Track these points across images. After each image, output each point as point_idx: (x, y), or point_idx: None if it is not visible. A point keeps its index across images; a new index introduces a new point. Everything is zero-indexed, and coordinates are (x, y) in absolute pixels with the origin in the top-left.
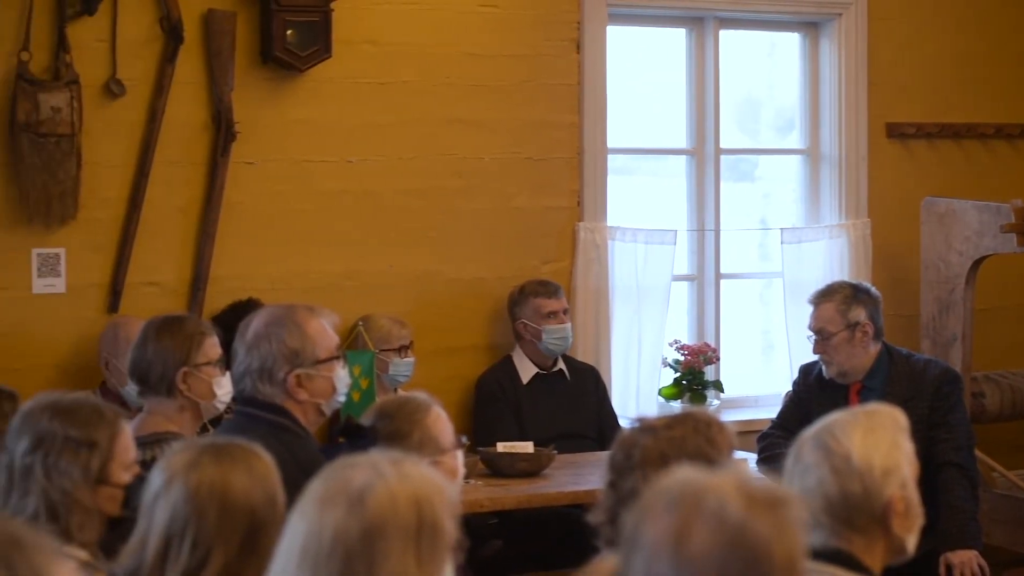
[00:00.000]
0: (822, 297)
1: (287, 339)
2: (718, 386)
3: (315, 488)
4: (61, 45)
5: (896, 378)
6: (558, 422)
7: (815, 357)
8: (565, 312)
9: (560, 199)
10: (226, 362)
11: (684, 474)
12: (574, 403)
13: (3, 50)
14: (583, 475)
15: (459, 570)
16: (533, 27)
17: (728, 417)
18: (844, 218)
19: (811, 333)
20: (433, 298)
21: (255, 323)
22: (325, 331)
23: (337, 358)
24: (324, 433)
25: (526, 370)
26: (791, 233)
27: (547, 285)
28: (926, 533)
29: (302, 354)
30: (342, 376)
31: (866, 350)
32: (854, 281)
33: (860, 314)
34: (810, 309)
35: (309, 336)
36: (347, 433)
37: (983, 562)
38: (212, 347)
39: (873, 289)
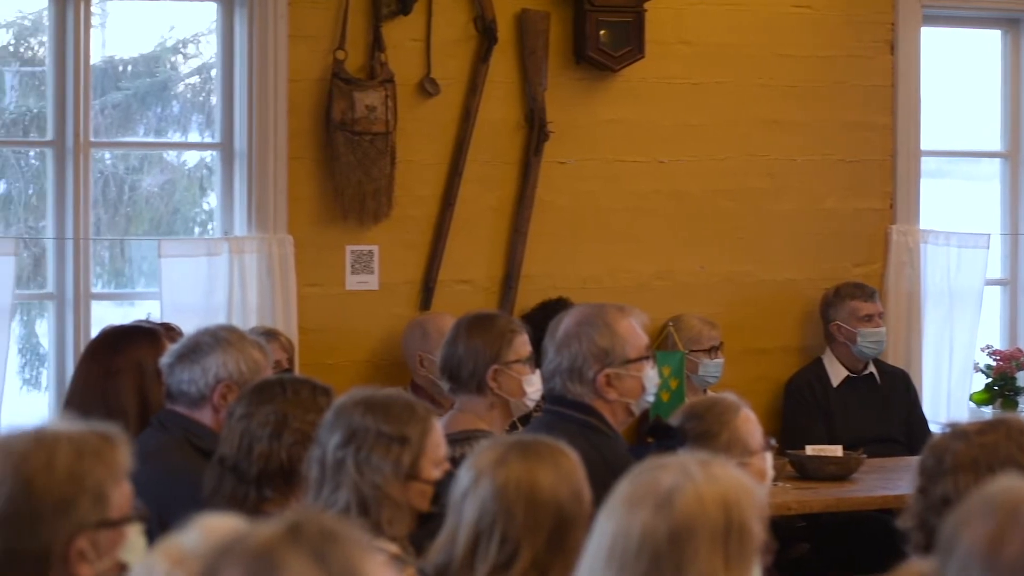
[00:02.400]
0: None
1: (597, 338)
2: None
3: (623, 488)
4: (376, 44)
5: None
6: (867, 426)
7: None
8: (880, 316)
9: (872, 201)
10: (536, 360)
11: (1006, 482)
12: (884, 407)
13: (320, 49)
14: (892, 480)
15: (766, 572)
16: (846, 28)
17: None
18: None
19: None
20: (743, 299)
21: (566, 322)
22: (635, 331)
23: (647, 358)
24: (632, 433)
25: (836, 373)
26: None
27: (863, 288)
28: None
29: (612, 353)
30: (651, 376)
31: None
32: None
33: None
34: None
35: (619, 336)
36: (655, 433)
37: None
38: (523, 345)
39: None
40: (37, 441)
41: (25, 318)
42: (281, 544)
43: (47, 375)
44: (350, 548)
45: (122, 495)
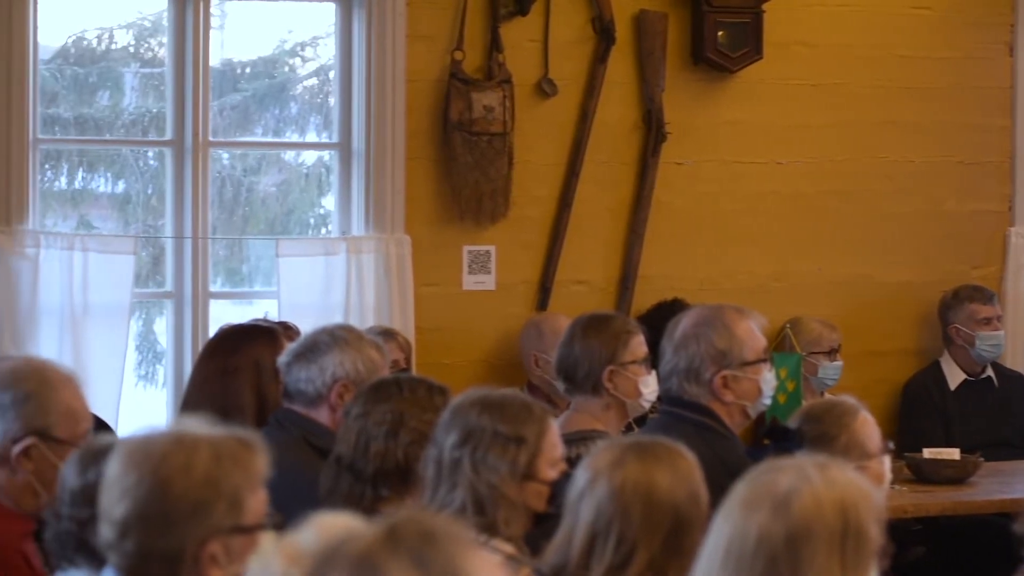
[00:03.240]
0: None
1: (715, 340)
2: None
3: (740, 490)
4: (494, 45)
5: None
6: (985, 429)
7: None
8: (999, 319)
9: (991, 203)
10: (652, 361)
11: None
12: (1002, 411)
13: (437, 49)
14: (1009, 483)
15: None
16: (965, 29)
17: None
18: None
19: None
20: (861, 301)
21: (684, 323)
22: (753, 333)
23: (764, 361)
24: (748, 435)
25: (954, 376)
26: None
27: (982, 291)
28: None
29: (729, 355)
30: (768, 379)
31: None
32: None
33: None
34: None
35: (737, 337)
36: (772, 435)
37: None
38: (639, 345)
39: None
40: (177, 443)
41: (144, 316)
42: (381, 550)
43: (165, 373)
44: (450, 549)
45: (257, 502)
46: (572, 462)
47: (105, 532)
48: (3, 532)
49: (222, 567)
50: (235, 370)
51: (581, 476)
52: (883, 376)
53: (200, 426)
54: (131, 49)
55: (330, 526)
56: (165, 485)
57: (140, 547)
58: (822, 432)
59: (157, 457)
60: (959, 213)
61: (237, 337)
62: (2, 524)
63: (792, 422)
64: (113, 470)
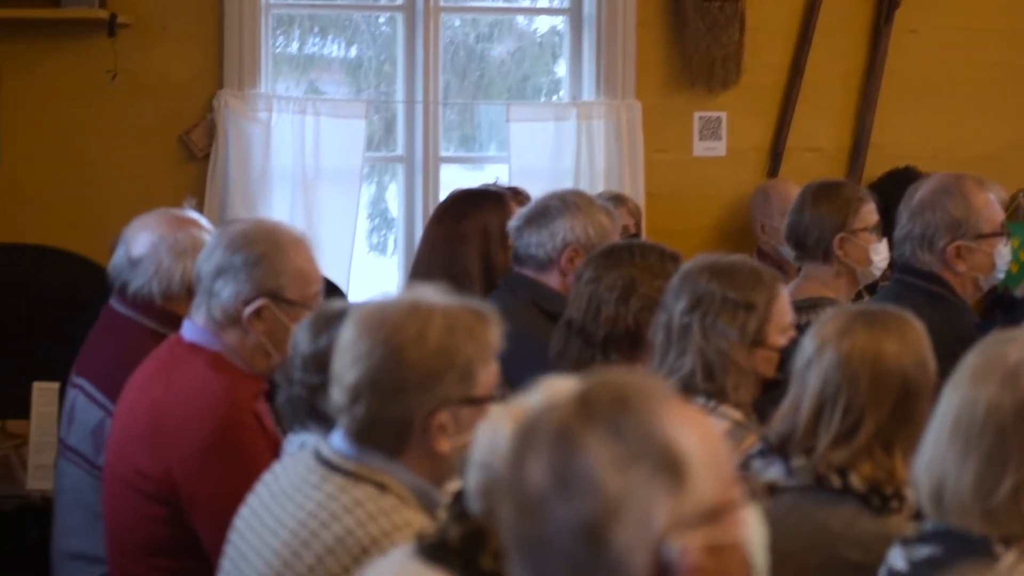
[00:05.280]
0: None
1: (951, 209)
2: None
3: (970, 361)
4: None
5: None
6: None
7: None
8: None
9: None
10: (882, 230)
11: None
12: None
13: None
14: None
15: None
16: None
17: None
18: None
19: None
20: None
21: (922, 190)
22: (991, 205)
23: (1001, 234)
24: (977, 306)
25: None
26: None
27: None
28: None
29: (965, 225)
30: (1003, 253)
31: None
32: None
33: None
34: None
35: (974, 208)
36: (1001, 305)
37: None
38: (869, 213)
39: None
40: (412, 312)
41: (375, 182)
42: (577, 422)
43: (395, 239)
44: (645, 412)
45: (489, 374)
46: (801, 329)
47: (336, 396)
48: (236, 392)
49: (450, 437)
50: (463, 237)
51: (809, 344)
52: None
53: (436, 295)
54: None
55: (559, 390)
56: (398, 354)
57: (370, 413)
58: None
59: (391, 325)
60: None
61: (465, 203)
62: (235, 384)
63: (1021, 292)
64: (347, 336)
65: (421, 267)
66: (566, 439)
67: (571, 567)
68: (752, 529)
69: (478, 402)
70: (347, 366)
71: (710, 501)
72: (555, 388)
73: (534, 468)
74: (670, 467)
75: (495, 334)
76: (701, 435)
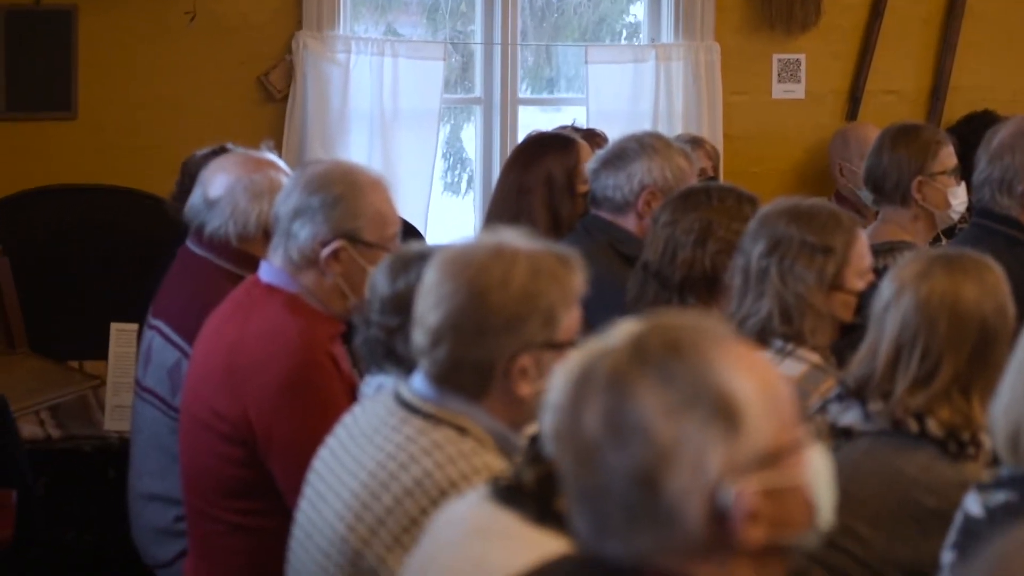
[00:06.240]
0: None
1: None
2: None
3: None
4: None
5: None
6: None
7: None
8: None
9: None
10: (961, 174)
11: None
12: None
13: None
14: None
15: None
16: None
17: None
18: None
19: None
20: None
21: (1002, 133)
22: None
23: None
24: None
25: None
26: None
27: None
28: None
29: None
30: None
31: None
32: None
33: None
34: None
35: None
36: None
37: None
38: (948, 156)
39: None
40: (496, 255)
41: (452, 123)
42: (629, 368)
43: (471, 179)
44: (698, 357)
45: (571, 319)
46: (879, 273)
47: (418, 338)
48: (312, 334)
49: (531, 381)
50: (528, 189)
51: (887, 288)
52: None
53: (520, 239)
54: None
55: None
56: (481, 296)
57: (451, 355)
58: None
59: (475, 268)
60: None
61: (531, 152)
62: (312, 326)
63: None
64: (430, 278)
65: (493, 216)
66: (618, 386)
67: (627, 513)
68: (817, 470)
69: (560, 347)
70: (429, 308)
71: (767, 445)
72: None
73: (588, 415)
74: (724, 413)
75: (578, 279)
76: (758, 378)
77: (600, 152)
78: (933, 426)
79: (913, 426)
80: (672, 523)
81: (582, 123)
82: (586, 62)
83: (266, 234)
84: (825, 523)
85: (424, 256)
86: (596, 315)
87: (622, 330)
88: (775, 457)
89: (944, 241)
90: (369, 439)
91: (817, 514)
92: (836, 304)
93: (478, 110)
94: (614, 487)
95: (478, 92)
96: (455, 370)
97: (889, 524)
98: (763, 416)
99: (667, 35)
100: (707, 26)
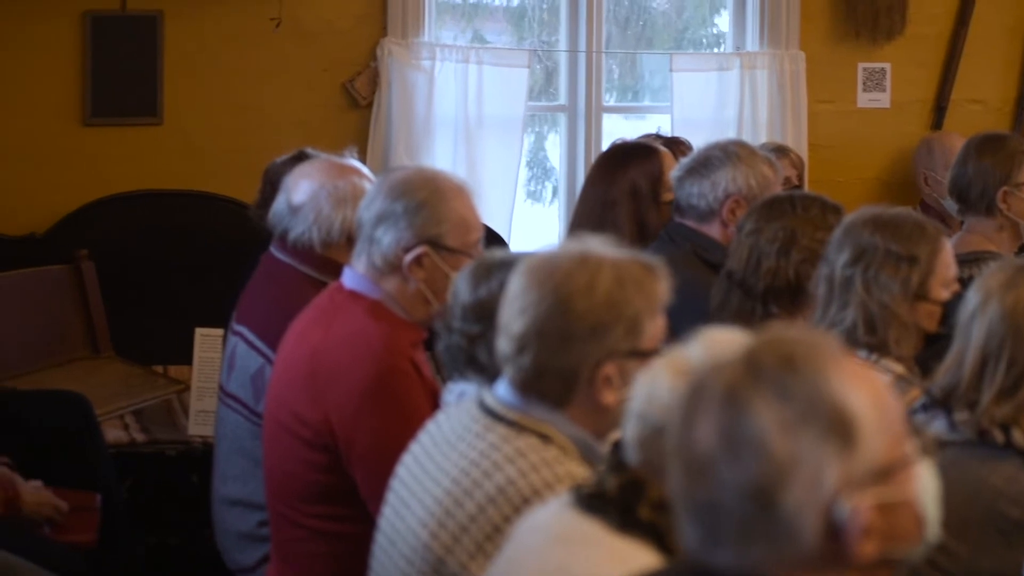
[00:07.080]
0: None
1: None
2: None
3: None
4: None
5: None
6: None
7: None
8: None
9: None
10: None
11: None
12: None
13: None
14: None
15: None
16: None
17: None
18: None
19: None
20: None
21: None
22: None
23: None
24: None
25: None
26: None
27: None
28: None
29: None
30: None
31: None
32: None
33: None
34: None
35: None
36: None
37: None
38: None
39: None
40: (581, 263)
41: (536, 131)
42: (744, 384)
43: (556, 187)
44: (813, 373)
45: (656, 327)
46: (964, 283)
47: (503, 345)
48: (394, 340)
49: (616, 389)
50: (613, 202)
51: (973, 297)
52: None
53: (605, 247)
54: None
55: (720, 341)
56: (566, 304)
57: (536, 363)
58: None
59: (561, 275)
60: None
61: (614, 164)
62: (394, 332)
63: None
64: (515, 285)
65: (576, 230)
66: (734, 401)
67: (740, 527)
68: (925, 484)
69: (645, 355)
70: (514, 315)
71: (881, 460)
72: (715, 341)
73: (702, 429)
74: (839, 428)
75: (663, 287)
76: (871, 393)
77: (684, 160)
78: (1019, 437)
79: (999, 436)
80: (787, 537)
81: (667, 131)
82: (671, 70)
83: (349, 240)
84: (933, 537)
85: (507, 263)
86: (680, 323)
87: (715, 340)
88: (888, 472)
89: None
90: (453, 446)
91: (926, 528)
92: (920, 314)
93: (562, 118)
94: (728, 501)
95: (562, 100)
96: (539, 377)
97: (973, 535)
98: (877, 431)
99: (752, 43)
100: (792, 35)
